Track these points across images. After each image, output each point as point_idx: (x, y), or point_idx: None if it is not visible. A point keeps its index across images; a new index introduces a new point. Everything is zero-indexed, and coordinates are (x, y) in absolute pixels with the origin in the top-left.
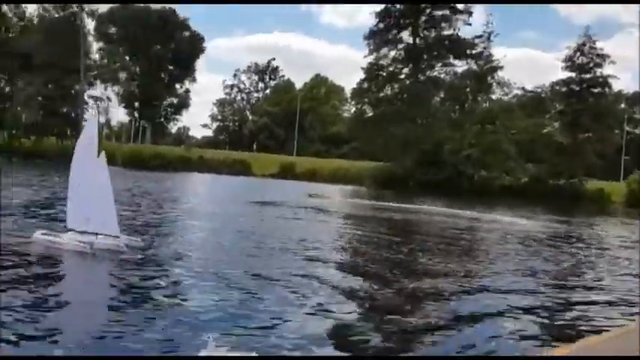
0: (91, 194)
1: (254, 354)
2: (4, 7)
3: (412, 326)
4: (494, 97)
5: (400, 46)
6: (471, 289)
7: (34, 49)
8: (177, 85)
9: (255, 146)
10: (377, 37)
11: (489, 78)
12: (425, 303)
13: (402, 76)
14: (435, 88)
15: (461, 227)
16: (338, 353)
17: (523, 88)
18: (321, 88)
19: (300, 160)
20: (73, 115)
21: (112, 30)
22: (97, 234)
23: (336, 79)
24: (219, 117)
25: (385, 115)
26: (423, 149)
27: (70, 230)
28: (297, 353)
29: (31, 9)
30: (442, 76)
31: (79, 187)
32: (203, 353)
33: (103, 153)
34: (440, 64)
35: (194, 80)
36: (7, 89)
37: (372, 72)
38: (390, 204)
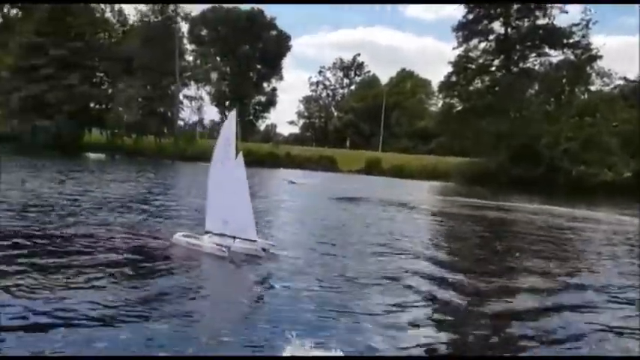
0: (229, 197)
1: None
2: (108, 14)
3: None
4: (593, 88)
5: (491, 37)
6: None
7: (134, 53)
8: (265, 84)
9: (348, 143)
10: (466, 29)
11: (588, 68)
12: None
13: (493, 68)
14: (529, 79)
15: (562, 227)
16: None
17: (625, 78)
18: (407, 82)
19: (386, 155)
20: (169, 114)
21: (204, 32)
22: (234, 237)
23: (422, 73)
24: (306, 114)
25: (475, 108)
26: (517, 144)
27: (208, 233)
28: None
29: (131, 15)
30: (536, 67)
31: (216, 190)
32: (287, 351)
33: (240, 154)
34: (534, 55)
35: (281, 78)
36: (110, 91)
37: (461, 64)
38: (483, 201)
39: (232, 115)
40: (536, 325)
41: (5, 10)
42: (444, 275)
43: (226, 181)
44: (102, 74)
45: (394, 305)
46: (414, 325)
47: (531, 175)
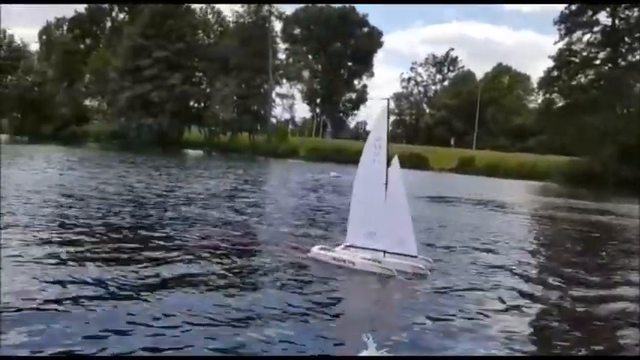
0: (379, 205)
1: None
2: (208, 15)
3: None
4: None
5: (596, 28)
6: None
7: (230, 52)
8: (356, 81)
9: (452, 142)
10: (569, 20)
11: None
12: None
13: (599, 62)
14: (638, 73)
15: None
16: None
17: None
18: (503, 77)
19: (480, 153)
20: (262, 112)
21: (297, 31)
22: (384, 252)
23: (520, 68)
24: (396, 111)
25: (578, 104)
26: (624, 142)
27: (350, 246)
28: None
29: (228, 15)
30: None
31: (363, 197)
32: (363, 353)
33: (396, 158)
34: None
35: (372, 75)
36: (208, 90)
37: (563, 58)
38: (588, 203)
39: (384, 110)
40: None
41: (113, 14)
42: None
43: (376, 187)
44: (200, 74)
45: None
46: None
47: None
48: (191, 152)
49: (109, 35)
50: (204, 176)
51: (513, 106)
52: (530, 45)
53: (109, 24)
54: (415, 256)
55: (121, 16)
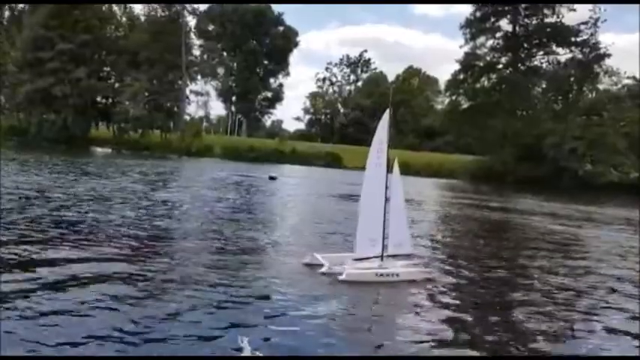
0: (380, 211)
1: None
2: (114, 7)
3: None
4: (601, 87)
5: (498, 34)
6: None
7: (140, 46)
8: (272, 80)
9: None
10: (473, 26)
11: (596, 67)
12: None
13: (500, 66)
14: (536, 77)
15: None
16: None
17: (634, 77)
18: (413, 79)
19: (392, 153)
20: (175, 109)
21: (211, 27)
22: (381, 257)
23: (429, 70)
24: (312, 110)
25: (482, 106)
26: (523, 142)
27: (361, 259)
28: None
29: (137, 9)
30: (544, 65)
31: (370, 203)
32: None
33: (396, 160)
34: (541, 53)
35: (288, 74)
36: (117, 85)
37: (468, 62)
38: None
39: (385, 115)
40: None
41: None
42: None
43: (378, 193)
44: (108, 68)
45: None
46: None
47: (537, 174)
48: (99, 150)
49: (7, 25)
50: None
51: (423, 108)
52: (438, 48)
53: (7, 13)
54: (410, 255)
55: (21, 5)
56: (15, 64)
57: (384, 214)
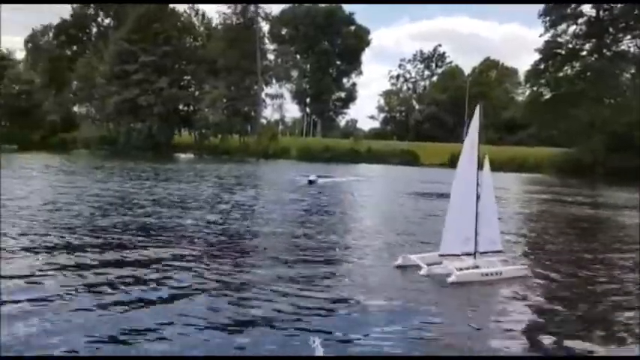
0: (472, 209)
1: None
2: (193, 18)
3: None
4: None
5: (580, 20)
6: None
7: (218, 54)
8: (345, 79)
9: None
10: (553, 13)
11: None
12: None
13: (584, 53)
14: (624, 63)
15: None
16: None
17: None
18: (491, 71)
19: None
20: (252, 113)
21: (284, 31)
22: (474, 254)
23: (508, 61)
24: (386, 108)
25: (565, 96)
26: (612, 132)
27: (446, 255)
28: None
29: (214, 17)
30: (631, 49)
31: (461, 202)
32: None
33: (486, 157)
34: (629, 37)
35: (360, 73)
36: (197, 93)
37: (549, 51)
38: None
39: (476, 112)
40: None
41: (99, 19)
42: None
43: (470, 190)
44: (188, 77)
45: None
46: None
47: (629, 165)
48: (182, 156)
49: (95, 41)
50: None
51: (502, 101)
52: (516, 38)
53: (94, 29)
54: (501, 251)
55: (107, 21)
56: (103, 77)
57: (476, 212)
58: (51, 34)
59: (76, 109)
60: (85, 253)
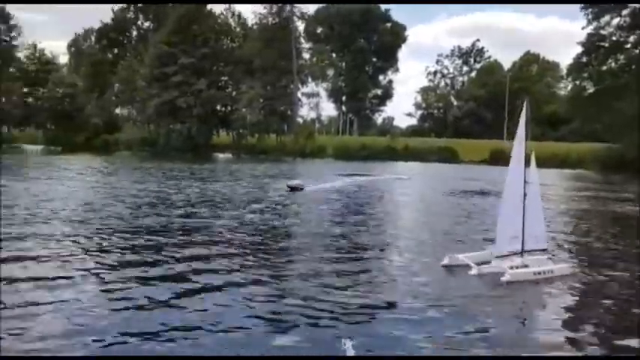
0: (519, 207)
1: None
2: (230, 19)
3: None
4: None
5: (624, 11)
6: None
7: (254, 54)
8: (381, 77)
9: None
10: (596, 5)
11: None
12: None
13: (628, 46)
14: None
15: None
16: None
17: None
18: (532, 65)
19: (511, 144)
20: (288, 112)
21: (319, 30)
22: (521, 253)
23: (549, 55)
24: (423, 105)
25: (609, 90)
26: None
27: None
28: None
29: (249, 18)
30: None
31: (512, 200)
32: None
33: (533, 154)
34: None
35: (397, 70)
36: (234, 93)
37: (592, 43)
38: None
39: (523, 109)
40: None
41: (139, 22)
42: None
43: (518, 188)
44: (226, 78)
45: None
46: None
47: None
48: (220, 156)
49: (135, 44)
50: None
51: (543, 95)
52: (557, 31)
53: (135, 32)
54: (545, 249)
55: (147, 24)
56: (144, 80)
57: (524, 210)
58: (93, 38)
59: (117, 111)
60: (118, 252)
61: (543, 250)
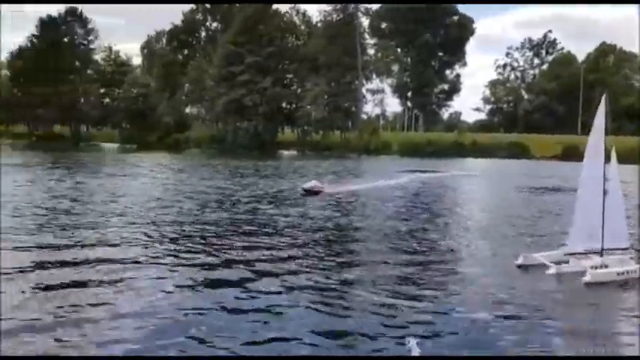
0: (599, 204)
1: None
2: (294, 17)
3: None
4: None
5: None
6: None
7: (319, 52)
8: (448, 71)
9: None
10: None
11: None
12: None
13: None
14: None
15: None
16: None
17: None
18: (608, 57)
19: (586, 140)
20: (353, 109)
21: (384, 25)
22: (601, 252)
23: (626, 46)
24: (492, 99)
25: None
26: None
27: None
28: None
29: (314, 16)
30: None
31: (588, 198)
32: None
33: (613, 149)
34: None
35: (464, 64)
36: (299, 91)
37: None
38: None
39: (602, 102)
40: None
41: (207, 23)
42: None
43: (597, 185)
44: (291, 75)
45: None
46: None
47: None
48: (285, 153)
49: (204, 44)
50: None
51: (621, 87)
52: (633, 21)
53: (203, 34)
54: (627, 248)
55: (215, 25)
56: (212, 79)
57: (603, 208)
58: (164, 40)
59: (187, 110)
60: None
61: (625, 249)
